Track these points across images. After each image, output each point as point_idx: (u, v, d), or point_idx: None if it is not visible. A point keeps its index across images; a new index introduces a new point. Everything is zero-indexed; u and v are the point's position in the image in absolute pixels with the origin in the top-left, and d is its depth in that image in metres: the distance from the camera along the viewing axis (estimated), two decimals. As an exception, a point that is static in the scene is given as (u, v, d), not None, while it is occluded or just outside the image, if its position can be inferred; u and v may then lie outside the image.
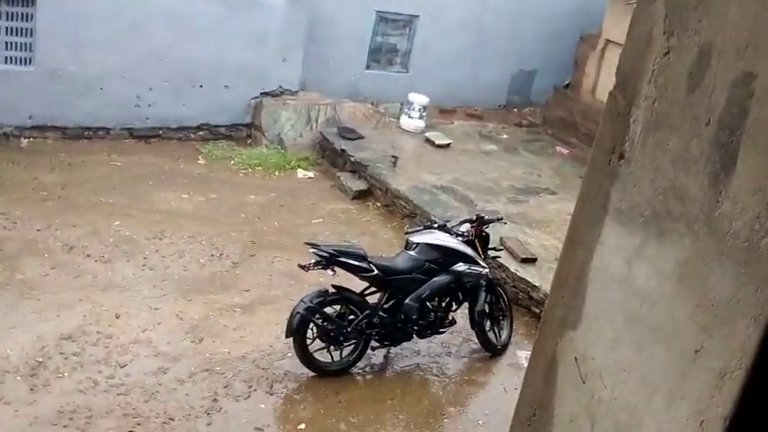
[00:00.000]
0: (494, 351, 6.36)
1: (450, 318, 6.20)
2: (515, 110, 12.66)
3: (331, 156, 9.94)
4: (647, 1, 1.59)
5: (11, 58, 8.96)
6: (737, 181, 1.45)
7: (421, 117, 10.81)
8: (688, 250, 1.53)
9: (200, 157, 9.70)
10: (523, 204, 8.99)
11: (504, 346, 6.43)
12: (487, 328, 6.32)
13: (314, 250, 5.60)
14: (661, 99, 1.55)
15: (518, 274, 7.09)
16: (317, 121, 10.31)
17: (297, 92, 10.59)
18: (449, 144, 10.48)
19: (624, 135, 1.64)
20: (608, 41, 10.90)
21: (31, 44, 8.97)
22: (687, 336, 1.58)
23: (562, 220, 8.63)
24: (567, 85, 11.68)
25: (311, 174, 9.69)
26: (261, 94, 10.38)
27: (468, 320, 6.33)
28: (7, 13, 8.76)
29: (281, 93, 10.45)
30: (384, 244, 8.05)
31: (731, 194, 1.46)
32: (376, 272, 5.72)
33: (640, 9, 1.62)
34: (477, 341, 6.35)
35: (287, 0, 10.12)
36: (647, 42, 1.58)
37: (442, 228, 6.22)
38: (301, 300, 5.67)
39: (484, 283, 6.22)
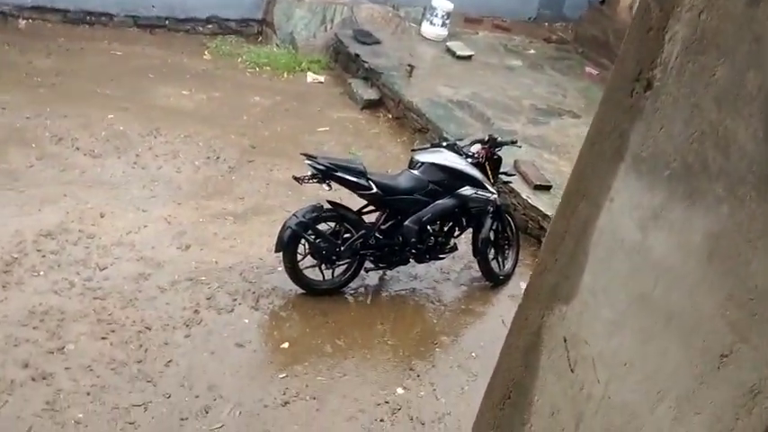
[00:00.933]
0: (495, 281, 6.03)
1: (452, 244, 5.84)
2: (546, 24, 11.89)
3: (344, 60, 9.38)
4: None
5: (9, -69, 8.38)
6: (810, 133, 1.03)
7: (444, 25, 10.13)
8: (726, 221, 1.11)
9: (206, 52, 9.18)
10: (543, 126, 8.47)
11: (507, 277, 6.11)
12: (491, 257, 5.98)
13: (310, 162, 5.20)
14: (711, 10, 1.09)
15: (529, 201, 6.67)
16: (332, 21, 9.69)
17: (313, -12, 9.93)
18: (470, 56, 9.85)
19: (655, 57, 1.19)
20: (653, -45, 10.04)
21: None
22: (713, 333, 1.18)
23: (582, 147, 8.14)
24: (603, 1, 10.88)
25: (321, 78, 9.17)
26: (275, -12, 9.74)
27: (471, 246, 5.99)
28: None
29: (297, -12, 9.79)
30: (391, 159, 7.63)
31: (798, 151, 1.04)
32: (375, 190, 5.34)
33: None
34: (478, 269, 6.02)
35: None
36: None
37: (451, 147, 5.78)
38: (293, 214, 5.33)
39: (491, 209, 5.83)
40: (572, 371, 1.45)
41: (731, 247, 1.12)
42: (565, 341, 1.49)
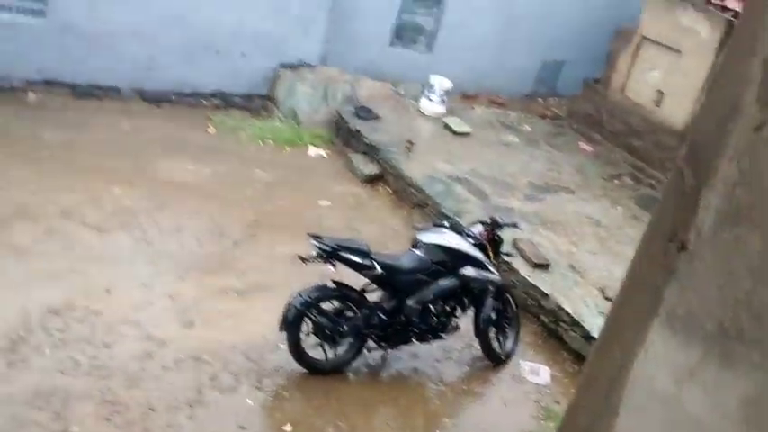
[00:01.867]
0: (497, 360, 6.07)
1: (454, 323, 5.90)
2: (540, 100, 12.21)
3: (345, 135, 9.59)
4: (738, 56, 1.24)
5: (23, 8, 8.62)
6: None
7: (442, 101, 10.41)
8: (761, 388, 1.19)
9: (210, 126, 9.37)
10: (540, 203, 8.63)
11: (508, 356, 6.14)
12: (492, 337, 6.03)
13: (315, 242, 5.29)
14: (745, 185, 1.20)
15: (529, 279, 6.77)
16: (333, 97, 9.95)
17: (316, 66, 10.21)
18: (468, 132, 10.10)
19: (689, 221, 1.30)
20: (644, 38, 10.41)
21: (43, -5, 8.63)
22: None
23: (579, 223, 8.29)
24: (597, 80, 11.22)
25: (323, 152, 9.36)
26: (279, 65, 10.01)
27: (472, 325, 6.04)
28: (21, -39, 8.42)
29: (300, 65, 10.07)
30: (391, 234, 7.74)
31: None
32: (379, 270, 5.42)
33: (728, 66, 1.27)
34: (479, 347, 6.06)
35: (312, -31, 9.71)
36: (732, 109, 1.23)
37: (453, 228, 5.90)
38: (298, 293, 5.38)
39: (492, 289, 5.92)
40: None
41: (767, 415, 1.19)
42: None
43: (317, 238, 5.35)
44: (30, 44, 8.69)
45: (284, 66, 10.02)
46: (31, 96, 8.84)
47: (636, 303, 1.44)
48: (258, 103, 10.07)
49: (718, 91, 1.31)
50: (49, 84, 8.94)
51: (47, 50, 8.78)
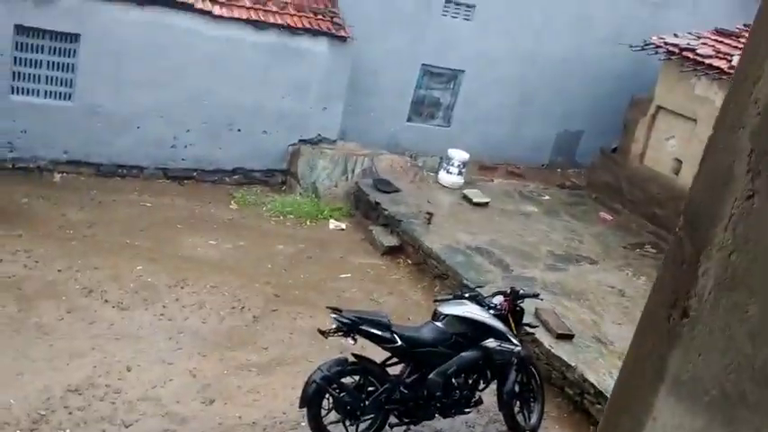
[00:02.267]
0: (521, 435, 5.92)
1: (477, 397, 5.79)
2: (559, 170, 12.30)
3: (365, 208, 9.70)
4: (727, 129, 1.27)
5: (51, 92, 8.98)
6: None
7: (460, 173, 10.53)
8: (767, 453, 1.18)
9: (232, 202, 9.55)
10: (562, 273, 8.58)
11: (534, 431, 5.99)
12: (516, 410, 5.90)
13: (335, 316, 5.28)
14: (740, 252, 1.22)
15: (552, 351, 6.67)
16: (353, 171, 10.11)
17: (335, 141, 10.43)
18: (487, 203, 10.16)
19: (690, 289, 1.31)
20: (659, 108, 10.53)
21: (71, 80, 8.98)
22: None
23: (602, 293, 8.20)
24: (615, 149, 11.29)
25: (343, 225, 9.45)
26: (299, 141, 10.25)
27: (495, 398, 5.92)
28: (50, 48, 8.80)
29: (320, 141, 10.29)
30: (412, 306, 7.71)
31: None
32: (399, 343, 5.37)
33: (719, 138, 1.31)
34: (504, 423, 5.92)
35: (331, 49, 10.02)
36: (725, 180, 1.26)
37: (474, 299, 5.86)
38: (318, 368, 5.34)
39: (515, 361, 5.82)
40: None
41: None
42: None
43: (336, 311, 5.34)
44: (57, 126, 9.00)
45: (304, 141, 10.25)
46: (57, 177, 9.10)
47: (642, 372, 1.45)
48: (279, 178, 10.26)
49: (711, 161, 1.34)
50: (75, 164, 9.21)
51: (73, 132, 9.09)
